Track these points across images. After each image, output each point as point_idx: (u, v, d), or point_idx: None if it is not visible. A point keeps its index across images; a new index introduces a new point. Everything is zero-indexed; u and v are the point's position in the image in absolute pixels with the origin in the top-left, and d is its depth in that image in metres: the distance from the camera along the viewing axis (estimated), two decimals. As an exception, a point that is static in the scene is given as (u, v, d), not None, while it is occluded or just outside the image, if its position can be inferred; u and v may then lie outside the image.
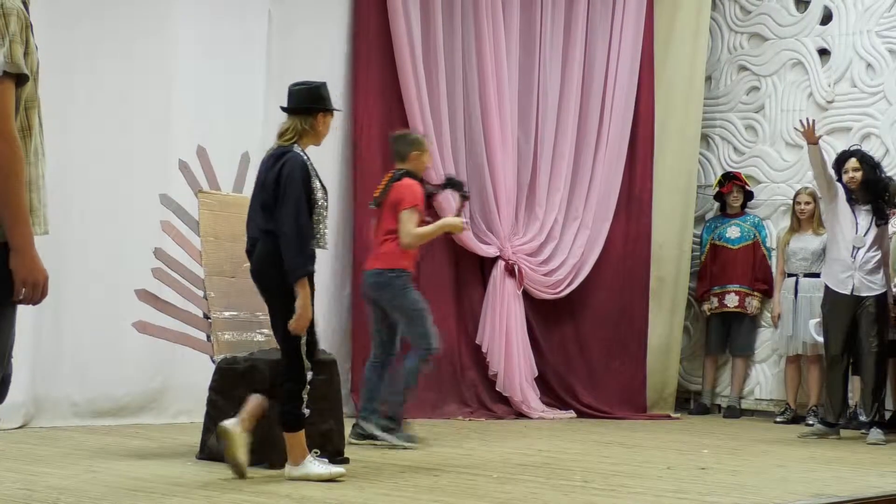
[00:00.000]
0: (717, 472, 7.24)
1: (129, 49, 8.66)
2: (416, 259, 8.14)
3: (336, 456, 6.95)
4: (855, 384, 10.55)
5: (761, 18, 11.72)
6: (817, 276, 10.43)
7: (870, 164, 9.47)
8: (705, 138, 11.84)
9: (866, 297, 9.34)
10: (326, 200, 6.39)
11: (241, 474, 6.28)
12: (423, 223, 7.99)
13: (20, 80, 3.95)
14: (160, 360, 8.62)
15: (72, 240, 8.36)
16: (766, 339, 11.28)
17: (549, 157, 10.87)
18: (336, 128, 9.87)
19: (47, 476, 6.16)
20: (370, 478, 6.50)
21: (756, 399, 11.33)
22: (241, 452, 6.30)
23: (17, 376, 8.05)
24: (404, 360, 8.04)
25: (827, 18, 11.36)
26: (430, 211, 7.97)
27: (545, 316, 10.90)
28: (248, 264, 7.42)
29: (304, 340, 6.24)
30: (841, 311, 9.43)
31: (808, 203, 10.64)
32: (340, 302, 9.88)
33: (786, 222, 11.04)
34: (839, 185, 9.56)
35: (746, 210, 11.45)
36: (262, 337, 7.36)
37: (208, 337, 7.24)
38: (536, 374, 10.69)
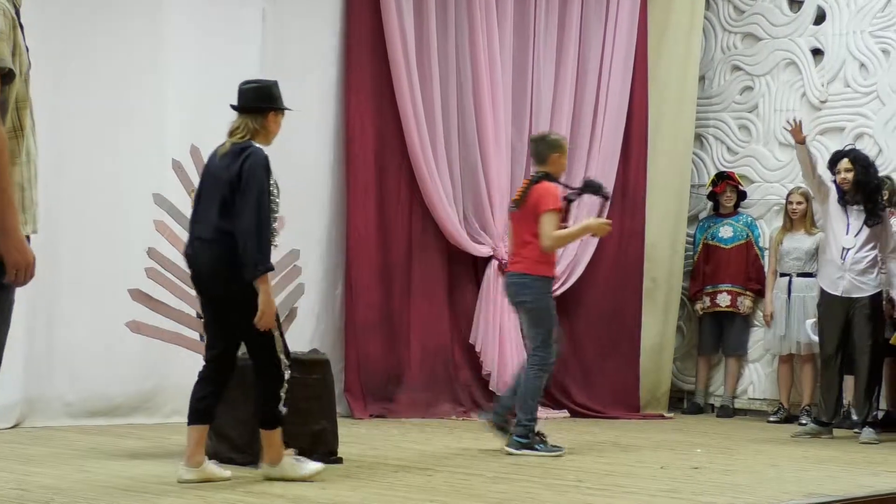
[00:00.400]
0: (711, 472, 7.25)
1: (122, 49, 8.65)
2: (556, 263, 8.04)
3: (329, 456, 6.94)
4: (848, 383, 10.57)
5: (755, 18, 11.72)
6: (810, 275, 10.45)
7: (862, 165, 9.43)
8: (699, 138, 11.84)
9: (858, 297, 9.33)
10: (278, 198, 6.27)
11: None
12: (560, 227, 7.91)
13: (8, 77, 3.94)
14: (154, 359, 8.62)
15: (65, 239, 8.37)
16: (758, 339, 11.28)
17: (542, 157, 10.86)
18: (328, 126, 9.91)
19: (40, 476, 6.16)
20: (364, 477, 6.50)
21: (749, 399, 11.33)
22: (295, 472, 6.27)
23: (9, 376, 8.08)
24: (523, 374, 7.92)
25: (820, 18, 11.36)
26: (566, 215, 7.92)
27: (539, 315, 10.88)
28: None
29: (276, 335, 6.13)
30: (834, 311, 9.43)
31: (800, 203, 10.64)
32: (333, 300, 9.88)
33: (779, 222, 11.04)
34: (831, 185, 9.56)
35: (740, 210, 11.46)
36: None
37: (201, 336, 7.23)
38: (530, 373, 10.67)
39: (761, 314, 11.10)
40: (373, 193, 10.02)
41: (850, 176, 9.36)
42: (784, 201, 10.91)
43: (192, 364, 7.56)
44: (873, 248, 9.39)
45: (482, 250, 10.48)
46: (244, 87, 6.35)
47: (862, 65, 11.08)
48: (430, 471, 6.83)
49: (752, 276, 11.22)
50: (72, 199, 8.41)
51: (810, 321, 10.11)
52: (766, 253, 11.17)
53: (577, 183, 8.79)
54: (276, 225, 6.24)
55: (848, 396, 10.38)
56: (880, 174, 10.05)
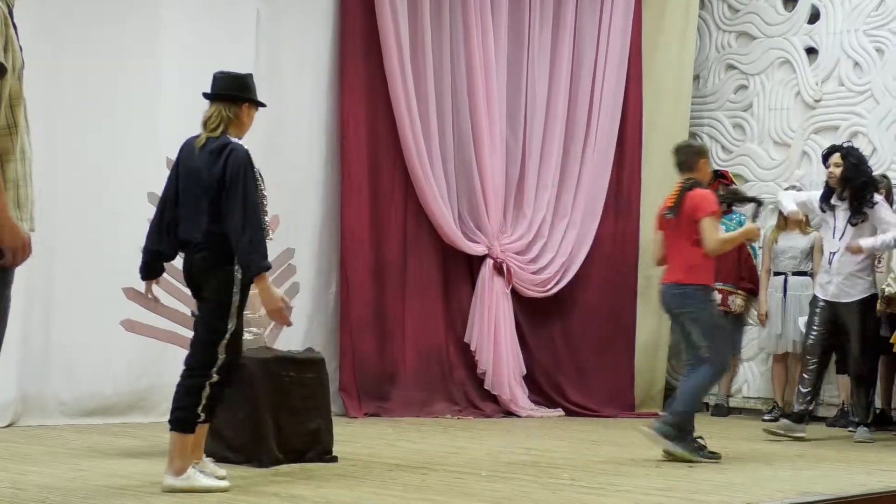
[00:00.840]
0: (705, 470, 7.25)
1: (116, 48, 8.66)
2: (713, 270, 8.01)
3: (324, 454, 6.95)
4: (842, 382, 10.58)
5: (749, 17, 11.74)
6: (805, 274, 10.48)
7: (853, 162, 9.26)
8: (693, 136, 11.83)
9: (847, 302, 9.18)
10: (265, 189, 6.10)
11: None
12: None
13: (0, 71, 3.94)
14: (148, 358, 8.62)
15: (60, 238, 8.37)
16: (753, 338, 11.29)
17: (537, 156, 10.88)
18: (322, 125, 9.91)
19: (35, 475, 6.15)
20: (359, 476, 6.50)
21: (744, 397, 11.35)
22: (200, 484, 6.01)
23: (4, 375, 8.08)
24: (691, 375, 7.83)
25: (814, 17, 11.38)
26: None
27: (533, 314, 10.91)
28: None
29: (227, 336, 5.92)
30: (823, 313, 9.28)
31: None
32: (326, 300, 9.89)
33: (773, 221, 11.05)
34: (811, 195, 9.60)
35: (734, 208, 11.46)
36: (250, 335, 7.34)
37: (197, 335, 7.22)
38: (525, 372, 10.69)
39: (756, 313, 11.11)
40: (367, 192, 10.02)
41: (837, 171, 9.23)
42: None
43: (186, 363, 7.57)
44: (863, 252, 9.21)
45: (477, 249, 10.49)
46: (218, 76, 6.23)
47: (856, 63, 11.09)
48: (424, 469, 6.83)
49: (743, 275, 11.21)
50: (66, 198, 8.41)
51: (803, 319, 10.14)
52: (760, 252, 11.18)
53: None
54: (267, 218, 6.12)
55: (841, 395, 10.40)
56: (875, 172, 10.06)
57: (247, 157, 5.94)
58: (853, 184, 9.15)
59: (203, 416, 5.92)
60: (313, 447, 6.87)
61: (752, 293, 11.18)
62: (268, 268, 5.89)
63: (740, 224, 11.30)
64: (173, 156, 7.51)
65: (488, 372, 10.41)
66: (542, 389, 10.85)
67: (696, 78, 11.86)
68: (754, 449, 8.56)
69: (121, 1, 8.73)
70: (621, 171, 11.27)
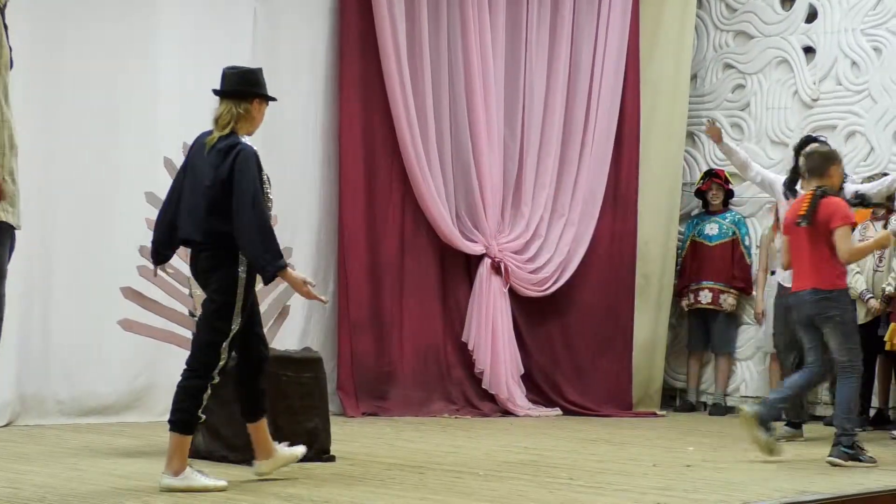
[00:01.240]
0: (703, 470, 7.25)
1: (114, 48, 8.66)
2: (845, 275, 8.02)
3: (323, 454, 6.95)
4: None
5: (747, 16, 11.75)
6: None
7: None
8: (691, 136, 11.86)
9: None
10: (271, 191, 6.10)
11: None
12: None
13: None
14: (146, 358, 8.62)
15: (58, 237, 8.38)
16: (750, 337, 11.31)
17: (535, 155, 10.88)
18: (319, 125, 9.91)
19: (33, 474, 6.15)
20: (357, 475, 6.50)
21: (741, 396, 11.34)
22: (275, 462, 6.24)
23: (2, 374, 8.08)
24: (840, 388, 7.87)
25: (812, 16, 11.39)
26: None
27: (531, 313, 10.91)
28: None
29: (230, 337, 5.91)
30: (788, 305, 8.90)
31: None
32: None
33: (770, 220, 11.06)
34: (776, 178, 9.34)
35: (730, 207, 11.48)
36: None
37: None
38: (522, 371, 10.70)
39: (753, 312, 11.12)
40: (364, 192, 10.02)
41: None
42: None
43: (184, 362, 7.57)
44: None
45: (475, 248, 10.49)
46: (229, 72, 6.19)
47: (854, 63, 11.10)
48: (422, 469, 6.83)
49: (736, 274, 11.24)
50: (64, 198, 8.42)
51: None
52: (757, 251, 11.20)
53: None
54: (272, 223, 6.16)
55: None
56: (875, 172, 10.06)
57: (255, 157, 5.92)
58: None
59: (203, 417, 5.91)
60: (311, 446, 6.86)
61: (744, 292, 11.21)
62: (284, 266, 5.85)
63: (734, 223, 11.34)
64: (171, 155, 7.56)
65: (486, 371, 10.41)
66: (539, 389, 10.85)
67: (694, 77, 11.87)
68: (751, 448, 8.56)
69: (118, 1, 8.72)
70: (619, 171, 11.27)
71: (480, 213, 10.49)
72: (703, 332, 11.42)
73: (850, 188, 8.93)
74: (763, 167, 11.41)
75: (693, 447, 8.46)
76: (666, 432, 9.55)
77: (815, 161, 7.97)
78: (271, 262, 5.81)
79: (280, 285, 7.63)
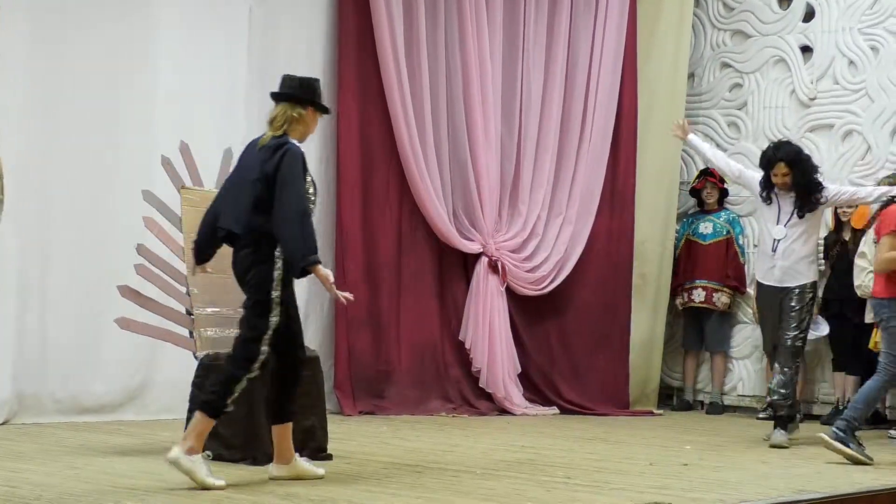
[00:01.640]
0: (700, 469, 7.26)
1: (111, 47, 8.65)
2: None
3: (319, 452, 6.94)
4: (838, 380, 10.60)
5: (744, 15, 11.75)
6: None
7: (800, 169, 8.80)
8: (688, 135, 11.85)
9: (792, 286, 8.77)
10: (315, 196, 6.28)
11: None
12: None
13: None
14: (143, 356, 8.62)
15: (55, 236, 8.38)
16: (747, 336, 11.31)
17: (532, 154, 10.88)
18: (317, 126, 9.88)
19: (29, 473, 6.15)
20: (354, 474, 6.50)
21: (738, 395, 11.35)
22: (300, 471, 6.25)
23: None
24: (866, 382, 8.12)
25: (809, 15, 11.38)
26: None
27: (528, 312, 10.90)
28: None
29: (270, 332, 6.02)
30: (771, 303, 8.91)
31: (832, 193, 10.49)
32: (322, 297, 9.87)
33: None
34: (753, 174, 9.13)
35: (726, 206, 11.49)
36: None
37: (191, 333, 7.23)
38: (519, 370, 10.69)
39: (750, 311, 11.12)
40: (361, 190, 10.02)
41: (787, 180, 8.79)
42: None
43: (181, 361, 7.59)
44: (807, 237, 8.84)
45: (472, 247, 10.49)
46: (286, 78, 6.37)
47: (851, 62, 11.10)
48: (419, 467, 6.83)
49: (729, 273, 11.24)
50: (62, 196, 8.42)
51: None
52: (747, 250, 11.22)
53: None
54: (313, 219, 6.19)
55: (848, 393, 10.41)
56: (874, 172, 10.08)
57: (301, 157, 6.09)
58: (808, 187, 8.79)
59: (231, 408, 6.01)
60: (308, 445, 6.86)
61: (738, 291, 11.22)
62: (316, 262, 5.97)
63: (729, 222, 11.35)
64: (169, 154, 7.56)
65: (483, 370, 10.40)
66: (536, 387, 10.85)
67: (691, 76, 11.87)
68: (749, 447, 8.57)
69: (116, 1, 8.72)
70: (616, 170, 11.27)
71: (478, 212, 10.48)
72: (697, 331, 11.42)
73: (831, 189, 8.90)
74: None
75: (690, 446, 8.46)
76: (663, 431, 9.55)
77: None
78: (304, 256, 5.94)
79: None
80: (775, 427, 8.76)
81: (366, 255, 10.04)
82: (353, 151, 9.97)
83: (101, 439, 7.62)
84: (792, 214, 8.82)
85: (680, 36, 11.61)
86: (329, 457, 6.96)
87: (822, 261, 10.50)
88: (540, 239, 10.91)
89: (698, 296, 11.29)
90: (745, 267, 11.22)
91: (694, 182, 11.55)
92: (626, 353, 11.15)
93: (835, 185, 9.21)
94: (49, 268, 8.38)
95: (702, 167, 11.64)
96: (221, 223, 6.16)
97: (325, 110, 6.41)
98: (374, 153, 10.07)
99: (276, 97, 6.31)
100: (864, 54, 11.02)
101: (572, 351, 11.04)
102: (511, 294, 10.70)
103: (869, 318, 9.21)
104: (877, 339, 9.53)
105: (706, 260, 11.30)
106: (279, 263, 6.03)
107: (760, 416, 10.71)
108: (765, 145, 11.35)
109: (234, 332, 7.26)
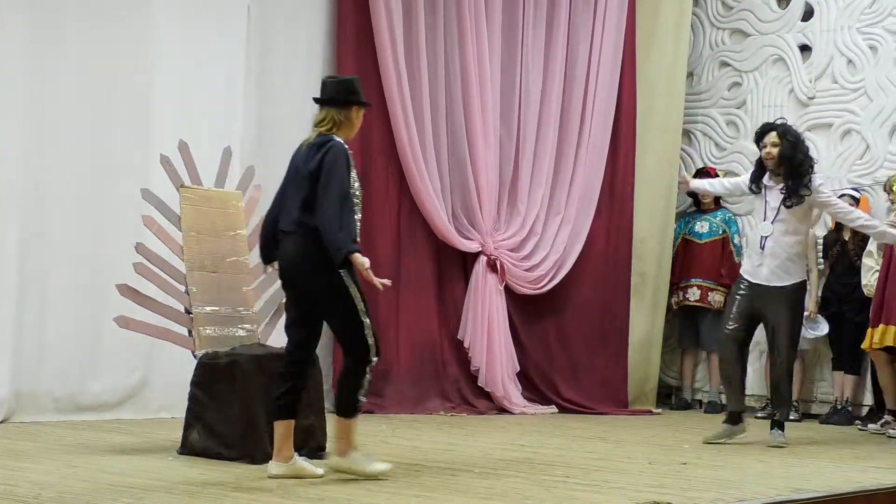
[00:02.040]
0: (698, 468, 7.26)
1: (110, 46, 8.65)
2: None
3: (318, 451, 6.95)
4: (837, 379, 10.60)
5: (743, 14, 11.75)
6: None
7: (790, 140, 8.63)
8: (687, 134, 11.86)
9: (780, 287, 8.56)
10: (360, 193, 6.34)
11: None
12: None
13: None
14: (141, 355, 8.62)
15: (54, 235, 8.37)
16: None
17: (531, 153, 10.88)
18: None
19: (28, 471, 6.15)
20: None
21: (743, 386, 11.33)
22: (363, 468, 6.28)
23: (-3, 371, 8.00)
24: None
25: (808, 15, 11.39)
26: None
27: (527, 311, 10.91)
28: (231, 259, 7.41)
29: (367, 323, 6.21)
30: (744, 301, 8.66)
31: (823, 197, 10.48)
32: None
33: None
34: (741, 181, 8.94)
35: (722, 205, 11.49)
36: (244, 332, 7.35)
37: (190, 332, 7.23)
38: (518, 369, 10.69)
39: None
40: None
41: (775, 151, 8.55)
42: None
43: (180, 359, 7.59)
44: (795, 234, 8.60)
45: (470, 246, 10.49)
46: (328, 81, 6.47)
47: (849, 61, 11.10)
48: (418, 466, 6.83)
49: (723, 271, 11.24)
50: (60, 195, 8.41)
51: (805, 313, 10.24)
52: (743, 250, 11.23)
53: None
54: (355, 219, 6.22)
55: (847, 392, 10.41)
56: (872, 172, 10.07)
57: (344, 153, 6.21)
58: (792, 162, 8.56)
59: (364, 400, 6.26)
60: (307, 444, 6.86)
61: (732, 289, 11.24)
62: (356, 250, 6.06)
63: (725, 221, 11.36)
64: (166, 153, 7.56)
65: (482, 369, 10.41)
66: (535, 386, 10.85)
67: (690, 75, 11.87)
68: (748, 446, 8.56)
69: (114, 1, 8.72)
70: (615, 168, 11.27)
71: (476, 211, 10.48)
72: (692, 330, 11.43)
73: (816, 180, 8.63)
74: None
75: (689, 445, 8.46)
76: (661, 430, 9.55)
77: None
78: (344, 245, 6.02)
79: (277, 283, 7.66)
80: (772, 427, 8.77)
81: (365, 254, 9.81)
82: (352, 150, 9.91)
83: (99, 438, 7.61)
84: (778, 210, 8.58)
85: (679, 35, 11.61)
86: (327, 455, 6.96)
87: (822, 260, 10.52)
88: (539, 238, 10.91)
89: (693, 294, 11.30)
90: (740, 266, 11.21)
91: (690, 181, 11.55)
92: (625, 352, 11.16)
93: (830, 191, 8.98)
94: (48, 266, 8.37)
95: (699, 166, 11.66)
96: (282, 226, 6.29)
97: (367, 106, 6.55)
98: (373, 153, 10.06)
99: (319, 102, 6.41)
100: (862, 53, 11.03)
101: (571, 350, 11.04)
102: (510, 293, 10.70)
103: None
104: (872, 339, 9.56)
105: (702, 259, 11.30)
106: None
107: (759, 415, 10.72)
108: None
109: (232, 330, 7.31)
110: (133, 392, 8.78)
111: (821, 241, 10.68)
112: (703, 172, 11.41)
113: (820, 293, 10.59)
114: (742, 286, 8.76)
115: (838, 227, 10.51)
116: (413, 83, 10.09)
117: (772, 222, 8.60)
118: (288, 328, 6.41)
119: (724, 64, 11.83)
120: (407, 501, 5.70)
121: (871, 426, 9.86)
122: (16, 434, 7.64)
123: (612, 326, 11.17)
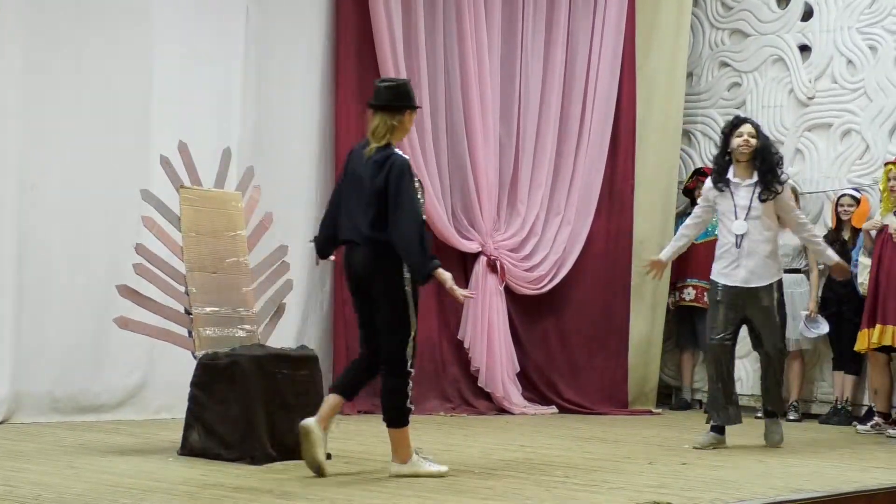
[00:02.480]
0: (698, 468, 7.26)
1: (109, 47, 8.65)
2: None
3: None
4: (837, 379, 10.60)
5: (743, 14, 11.75)
6: (798, 271, 10.53)
7: (764, 134, 8.53)
8: (686, 134, 11.86)
9: (760, 286, 8.38)
10: (423, 197, 6.48)
11: (321, 473, 6.31)
12: None
13: None
14: (141, 356, 8.62)
15: (54, 235, 8.38)
16: (744, 335, 11.26)
17: (531, 153, 10.88)
18: (315, 123, 9.89)
19: (28, 472, 6.15)
20: (352, 473, 6.50)
21: (737, 395, 11.32)
22: (321, 451, 6.33)
23: (-3, 372, 8.01)
24: None
25: (808, 15, 11.39)
26: None
27: (527, 311, 10.90)
28: (230, 259, 7.41)
29: (414, 331, 6.33)
30: (723, 308, 8.45)
31: (789, 198, 10.60)
32: (320, 298, 9.87)
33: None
34: (708, 191, 8.56)
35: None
36: (244, 332, 7.35)
37: (189, 333, 7.23)
38: (518, 369, 10.69)
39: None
40: (361, 190, 10.00)
41: (753, 141, 8.32)
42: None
43: (179, 360, 7.58)
44: (770, 230, 8.41)
45: (470, 246, 10.49)
46: (381, 86, 6.52)
47: (849, 61, 11.10)
48: (418, 467, 6.83)
49: (720, 271, 11.23)
50: (60, 195, 8.41)
51: (804, 312, 10.24)
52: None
53: None
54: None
55: (847, 392, 10.41)
56: (872, 172, 10.08)
57: (407, 167, 6.34)
58: (767, 155, 8.35)
59: (412, 406, 6.42)
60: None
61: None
62: (437, 266, 6.21)
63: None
64: (166, 153, 7.56)
65: (482, 369, 10.40)
66: (535, 387, 10.84)
67: (690, 75, 11.87)
68: (748, 445, 8.57)
69: (114, 1, 8.72)
70: (615, 169, 11.27)
71: (476, 211, 10.48)
72: (689, 330, 11.43)
73: (784, 175, 8.48)
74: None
75: (689, 445, 8.46)
76: (661, 430, 9.55)
77: None
78: (425, 265, 6.19)
79: (277, 283, 7.68)
80: (767, 416, 8.82)
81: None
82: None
83: (99, 439, 7.62)
84: (749, 208, 8.34)
85: (678, 35, 11.61)
86: (327, 456, 6.94)
87: None
88: (538, 238, 10.91)
89: (688, 294, 11.31)
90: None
91: (687, 181, 11.54)
92: (625, 353, 11.16)
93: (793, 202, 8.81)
94: (47, 267, 8.37)
95: (699, 166, 11.66)
96: (344, 235, 6.44)
97: (418, 107, 6.73)
98: None
99: (373, 108, 6.46)
100: (862, 54, 11.03)
101: (571, 350, 11.04)
102: (510, 293, 10.70)
103: None
104: (870, 339, 9.57)
105: (697, 259, 11.28)
106: (405, 267, 6.28)
107: (758, 415, 10.71)
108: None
109: (232, 330, 7.31)
110: (133, 393, 8.78)
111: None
112: (699, 172, 11.41)
113: (820, 293, 10.59)
114: (718, 292, 8.48)
115: (838, 226, 10.52)
116: (413, 83, 10.07)
117: (745, 219, 8.37)
118: (360, 329, 6.62)
119: (724, 64, 11.83)
120: (407, 501, 5.70)
121: (859, 427, 9.85)
122: (16, 435, 7.64)
123: (612, 326, 11.17)
